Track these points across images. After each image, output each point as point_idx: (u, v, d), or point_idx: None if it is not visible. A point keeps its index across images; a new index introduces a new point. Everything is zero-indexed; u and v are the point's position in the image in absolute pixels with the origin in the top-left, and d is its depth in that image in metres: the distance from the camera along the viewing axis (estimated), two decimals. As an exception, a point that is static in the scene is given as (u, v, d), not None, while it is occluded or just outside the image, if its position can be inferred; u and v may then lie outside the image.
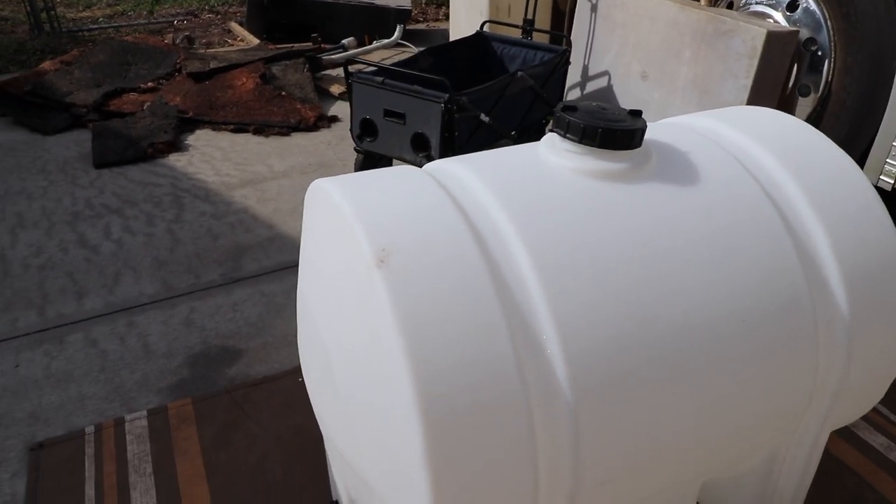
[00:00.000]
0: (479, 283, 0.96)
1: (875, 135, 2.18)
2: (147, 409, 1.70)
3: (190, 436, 1.63)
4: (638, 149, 1.15)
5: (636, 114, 1.18)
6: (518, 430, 0.93)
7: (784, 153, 1.25)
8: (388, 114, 2.42)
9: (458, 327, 0.92)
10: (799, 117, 2.46)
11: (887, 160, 2.15)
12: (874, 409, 1.70)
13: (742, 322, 1.08)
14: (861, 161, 2.26)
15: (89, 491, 1.49)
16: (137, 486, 1.51)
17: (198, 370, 1.84)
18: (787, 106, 2.49)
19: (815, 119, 2.41)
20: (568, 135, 1.13)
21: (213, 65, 3.68)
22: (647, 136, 1.26)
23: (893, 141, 2.13)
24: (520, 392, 0.93)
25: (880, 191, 2.25)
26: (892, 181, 2.16)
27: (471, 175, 1.12)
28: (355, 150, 2.64)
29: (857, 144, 2.28)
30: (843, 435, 1.63)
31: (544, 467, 0.97)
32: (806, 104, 2.44)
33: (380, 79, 2.41)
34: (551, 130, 1.18)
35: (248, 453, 1.58)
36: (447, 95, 2.26)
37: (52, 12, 5.41)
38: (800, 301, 1.12)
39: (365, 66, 2.55)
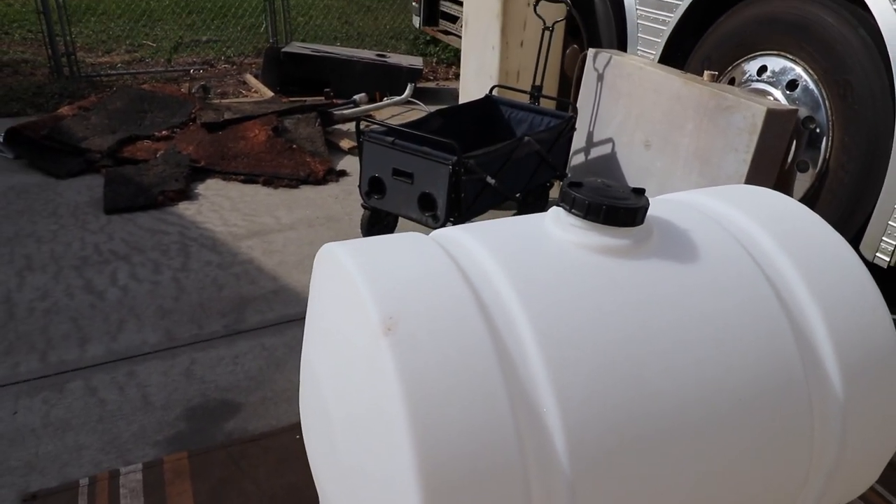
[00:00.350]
0: (483, 354, 0.98)
1: (871, 212, 2.22)
2: (143, 463, 1.70)
3: (184, 491, 1.62)
4: (640, 226, 1.18)
5: (639, 192, 1.22)
6: (515, 501, 0.94)
7: (782, 235, 1.29)
8: (397, 173, 2.48)
9: (461, 397, 0.94)
10: (797, 193, 2.52)
11: (883, 238, 2.19)
12: (873, 490, 1.69)
13: (738, 400, 1.10)
14: (858, 238, 2.30)
15: (80, 545, 1.48)
16: (129, 541, 1.49)
17: (195, 423, 1.84)
18: (785, 181, 2.55)
19: (812, 195, 2.46)
20: (573, 210, 1.17)
21: (227, 115, 3.77)
22: (648, 212, 1.31)
23: (889, 219, 2.17)
24: (518, 463, 0.95)
25: (876, 268, 2.28)
26: (888, 259, 2.19)
27: (477, 245, 1.16)
28: (363, 206, 2.69)
29: (854, 221, 2.33)
30: (842, 515, 1.62)
31: (541, 541, 0.98)
32: (804, 180, 2.49)
33: (390, 139, 2.48)
34: (558, 205, 1.22)
35: (242, 511, 1.57)
36: (455, 158, 2.32)
37: (73, 57, 5.55)
38: (795, 381, 1.14)
39: (376, 124, 2.62)
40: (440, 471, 0.91)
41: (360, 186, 2.62)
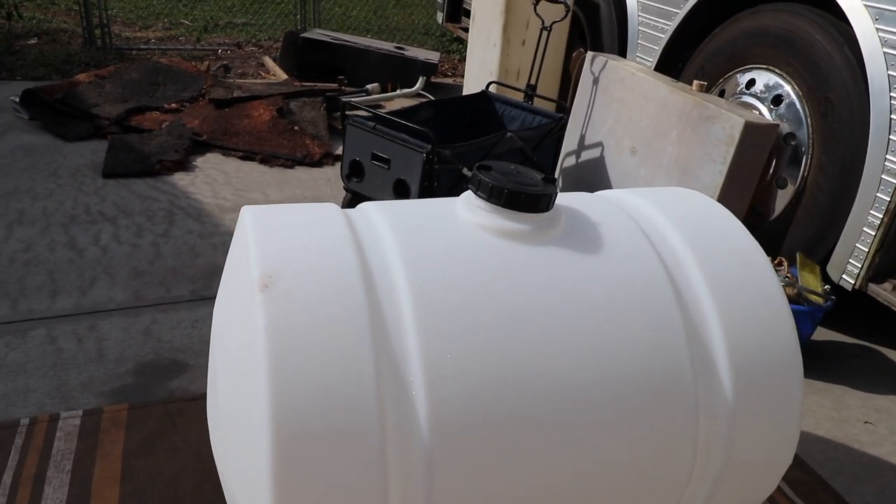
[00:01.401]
0: (355, 318, 1.01)
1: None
2: (83, 410, 1.76)
3: (116, 439, 1.69)
4: (545, 213, 1.20)
5: (550, 180, 1.24)
6: (369, 461, 0.97)
7: (694, 235, 1.29)
8: (375, 157, 2.52)
9: (325, 356, 0.98)
10: (776, 209, 2.50)
11: (849, 260, 2.17)
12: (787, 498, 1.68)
13: (618, 392, 1.11)
14: (827, 259, 2.27)
15: (6, 479, 1.55)
16: (53, 481, 1.56)
17: (142, 379, 1.91)
18: (764, 196, 2.52)
19: (789, 212, 2.44)
20: (479, 192, 1.20)
21: (235, 94, 3.86)
22: (565, 202, 1.32)
23: (856, 242, 2.14)
24: (376, 426, 0.97)
25: (842, 290, 2.25)
26: (852, 281, 2.17)
27: (382, 218, 1.19)
28: (344, 188, 2.74)
29: (827, 241, 2.30)
30: (756, 527, 1.61)
31: (396, 503, 1.01)
32: (783, 196, 2.47)
33: (371, 123, 2.52)
34: (467, 186, 1.24)
35: (167, 464, 1.63)
36: (429, 146, 2.35)
37: (107, 29, 5.72)
38: (681, 380, 1.14)
39: (363, 110, 2.66)
40: (293, 424, 0.94)
41: (341, 169, 2.67)
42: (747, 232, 1.35)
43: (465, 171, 2.50)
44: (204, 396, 1.85)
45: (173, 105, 3.82)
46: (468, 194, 1.24)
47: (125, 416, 1.76)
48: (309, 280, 1.03)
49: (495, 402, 1.03)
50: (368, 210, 1.24)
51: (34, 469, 1.58)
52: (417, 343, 1.02)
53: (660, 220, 1.33)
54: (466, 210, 1.21)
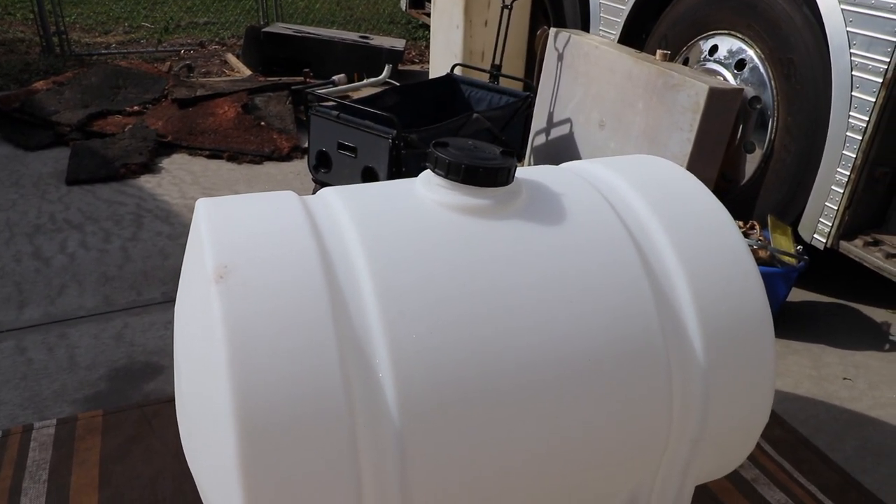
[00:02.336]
0: (315, 303, 0.99)
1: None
2: (56, 419, 1.73)
3: (92, 446, 1.66)
4: (506, 187, 1.19)
5: (508, 154, 1.23)
6: (340, 449, 0.95)
7: (659, 201, 1.28)
8: (342, 147, 2.49)
9: (287, 344, 0.96)
10: (745, 173, 2.51)
11: (820, 219, 2.18)
12: (776, 464, 1.69)
13: (589, 361, 1.10)
14: (798, 220, 2.28)
15: (-20, 493, 1.52)
16: (29, 492, 1.53)
17: (116, 384, 1.87)
18: (733, 161, 2.53)
19: (759, 175, 2.44)
20: (436, 169, 1.18)
21: (199, 92, 3.80)
22: (527, 175, 1.31)
23: (825, 201, 2.15)
24: (344, 411, 0.96)
25: (814, 249, 2.27)
26: (824, 240, 2.18)
27: (340, 202, 1.17)
28: (313, 180, 2.71)
29: (797, 202, 2.31)
30: (740, 487, 1.62)
31: (370, 488, 0.99)
32: (752, 161, 2.48)
33: (335, 113, 2.49)
34: (424, 166, 1.22)
35: (145, 467, 1.60)
36: (395, 132, 2.33)
37: (64, 36, 5.61)
38: (652, 345, 1.14)
39: (326, 99, 2.63)
40: (258, 416, 0.92)
41: (308, 160, 2.64)
42: (711, 194, 1.35)
43: (434, 154, 2.47)
44: (180, 397, 1.82)
45: (135, 108, 3.75)
46: (427, 173, 1.22)
47: (100, 423, 1.73)
48: (266, 268, 1.01)
49: (464, 380, 1.02)
50: (326, 195, 1.22)
51: (9, 482, 1.55)
52: (381, 325, 1.00)
53: (623, 187, 1.32)
54: (425, 189, 1.19)
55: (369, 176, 2.46)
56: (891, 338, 2.26)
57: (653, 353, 1.14)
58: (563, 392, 1.08)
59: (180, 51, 5.91)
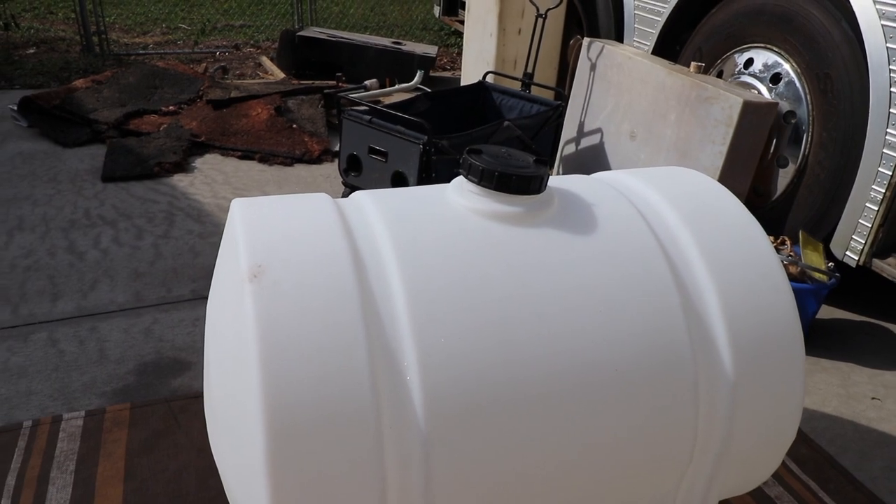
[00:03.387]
0: (346, 305, 1.00)
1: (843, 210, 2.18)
2: (85, 410, 1.76)
3: (119, 438, 1.69)
4: (537, 195, 1.19)
5: (542, 162, 1.23)
6: (366, 450, 0.96)
7: (691, 214, 1.28)
8: (372, 151, 2.51)
9: (317, 344, 0.97)
10: (777, 189, 2.48)
11: (853, 237, 2.14)
12: (801, 483, 1.66)
13: (616, 372, 1.09)
14: (830, 236, 2.25)
15: (10, 481, 1.55)
16: (56, 481, 1.56)
17: (144, 378, 1.90)
18: (765, 175, 2.50)
19: (791, 191, 2.41)
20: (469, 176, 1.18)
21: (233, 94, 3.85)
22: (558, 185, 1.31)
23: (859, 218, 2.12)
24: (371, 413, 0.96)
25: (846, 266, 2.23)
26: (856, 257, 2.14)
27: (373, 206, 1.18)
28: (343, 183, 2.73)
29: (829, 219, 2.27)
30: (765, 507, 1.60)
31: (394, 491, 1.00)
32: (785, 175, 2.45)
33: (367, 117, 2.51)
34: (458, 172, 1.23)
35: (170, 461, 1.63)
36: (426, 137, 2.34)
37: (104, 35, 5.73)
38: (680, 357, 1.13)
39: (358, 103, 2.65)
40: (286, 415, 0.93)
41: (339, 164, 2.66)
42: (743, 207, 1.34)
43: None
44: (206, 394, 1.85)
45: (171, 107, 3.82)
46: (459, 179, 1.22)
47: (128, 416, 1.76)
48: (298, 269, 1.02)
49: (492, 386, 1.02)
50: (359, 199, 1.23)
51: (38, 470, 1.58)
52: (410, 328, 1.01)
53: (654, 198, 1.32)
54: (458, 195, 1.20)
55: (399, 181, 2.47)
56: (924, 360, 2.21)
57: (680, 365, 1.13)
58: (589, 401, 1.07)
59: (216, 53, 6.01)
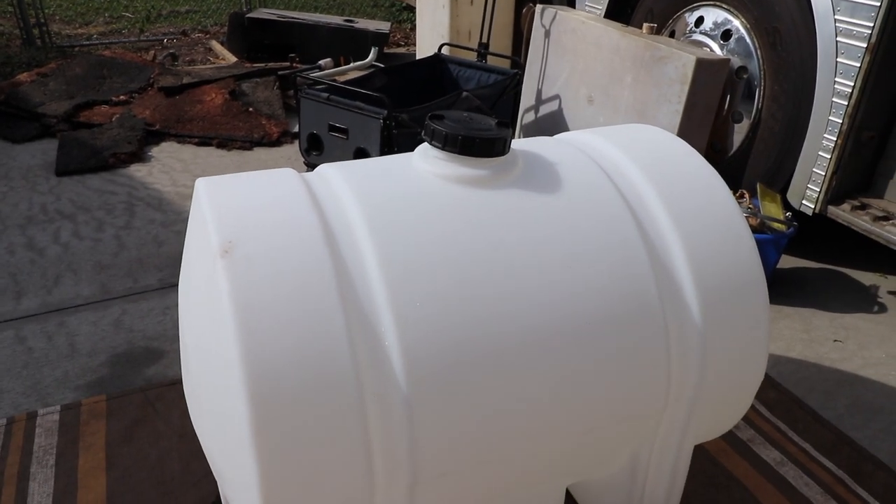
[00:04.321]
0: (320, 273, 1.00)
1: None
2: (60, 405, 1.74)
3: (97, 430, 1.67)
4: (502, 157, 1.20)
5: (504, 125, 1.24)
6: (349, 415, 0.97)
7: (651, 167, 1.30)
8: (332, 129, 2.50)
9: (294, 314, 0.97)
10: (734, 143, 2.53)
11: (808, 185, 2.21)
12: (771, 424, 1.73)
13: (587, 323, 1.12)
14: (786, 187, 2.31)
15: (-12, 480, 1.53)
16: (37, 476, 1.54)
17: (118, 369, 1.88)
18: (721, 131, 2.55)
19: (747, 145, 2.47)
20: (433, 141, 1.19)
21: (185, 80, 3.77)
22: (521, 147, 1.32)
23: (813, 167, 2.18)
24: (352, 378, 0.98)
25: (803, 215, 2.30)
26: (812, 205, 2.21)
27: (338, 176, 1.18)
28: (304, 163, 2.71)
29: (785, 170, 2.34)
30: (737, 448, 1.66)
31: (379, 453, 1.01)
32: (740, 130, 2.50)
33: (325, 94, 2.49)
34: (421, 138, 1.24)
35: (151, 448, 1.62)
36: (386, 112, 2.33)
37: (45, 28, 5.54)
38: (649, 307, 1.16)
39: (313, 81, 2.63)
40: (268, 385, 0.94)
41: (299, 144, 2.64)
42: (704, 161, 1.37)
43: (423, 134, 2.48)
44: (182, 380, 1.84)
45: (122, 97, 3.72)
46: (424, 146, 1.23)
47: (104, 407, 1.74)
48: (269, 240, 1.02)
49: (467, 344, 1.04)
50: (324, 171, 1.23)
51: (17, 467, 1.56)
52: (385, 293, 1.02)
53: (616, 155, 1.34)
54: (423, 161, 1.21)
55: (361, 157, 2.46)
56: (879, 299, 2.30)
57: (650, 314, 1.16)
58: (563, 354, 1.10)
59: (163, 40, 5.86)
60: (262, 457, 0.94)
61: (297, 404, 0.95)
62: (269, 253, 1.01)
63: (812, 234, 2.63)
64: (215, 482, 1.53)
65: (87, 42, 5.71)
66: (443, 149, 1.18)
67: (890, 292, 2.35)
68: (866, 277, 2.43)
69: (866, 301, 2.29)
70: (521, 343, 1.07)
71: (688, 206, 1.26)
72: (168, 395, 1.79)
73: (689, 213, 1.25)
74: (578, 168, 1.27)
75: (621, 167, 1.31)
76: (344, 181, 1.16)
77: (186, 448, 1.62)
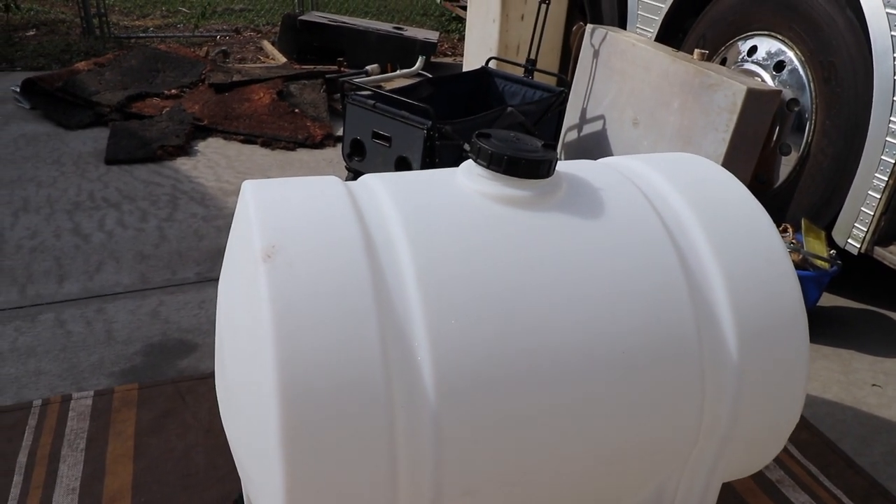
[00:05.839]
0: (359, 285, 1.01)
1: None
2: (94, 390, 1.78)
3: (128, 418, 1.70)
4: (546, 179, 1.20)
5: (550, 147, 1.24)
6: (377, 426, 0.98)
7: (696, 198, 1.29)
8: (376, 136, 2.52)
9: (330, 323, 0.98)
10: (780, 176, 2.49)
11: (855, 224, 2.16)
12: (802, 467, 1.68)
13: (622, 351, 1.11)
14: (832, 224, 2.26)
15: (21, 458, 1.57)
16: (67, 459, 1.58)
17: (152, 359, 1.92)
18: (768, 163, 2.51)
19: (793, 178, 2.43)
20: (478, 160, 1.20)
21: (235, 78, 3.85)
22: (565, 169, 1.32)
23: (861, 206, 2.13)
24: (382, 389, 0.98)
25: (847, 254, 2.25)
26: (858, 245, 2.16)
27: (383, 189, 1.19)
28: (346, 168, 2.74)
29: (831, 207, 2.29)
30: (765, 488, 1.62)
31: (404, 467, 1.01)
32: (787, 163, 2.46)
33: (371, 102, 2.51)
34: (467, 155, 1.24)
35: (178, 441, 1.65)
36: (430, 122, 2.35)
37: (104, 18, 5.71)
38: (686, 341, 1.15)
39: (362, 88, 2.65)
40: (302, 391, 0.95)
41: (342, 148, 2.67)
42: (749, 193, 1.35)
43: (467, 146, 2.48)
44: (213, 375, 1.86)
45: (173, 91, 3.81)
46: (469, 163, 1.23)
47: (136, 396, 1.78)
48: (311, 248, 1.03)
49: (499, 367, 1.04)
50: (369, 181, 1.24)
51: (48, 448, 1.60)
52: (421, 309, 1.02)
53: (660, 183, 1.33)
54: (467, 178, 1.21)
55: (403, 166, 2.48)
56: (922, 347, 2.24)
57: (686, 348, 1.15)
58: (596, 380, 1.09)
59: (216, 36, 5.99)
60: (289, 462, 0.95)
61: (327, 413, 0.96)
62: (310, 262, 1.02)
63: (856, 274, 2.56)
64: (239, 479, 1.55)
65: (144, 34, 5.86)
66: (488, 167, 1.18)
67: (934, 339, 2.29)
68: (910, 322, 2.36)
69: (909, 347, 2.23)
70: (553, 367, 1.06)
71: (730, 238, 1.24)
72: (198, 388, 1.82)
73: (730, 245, 1.24)
74: (622, 195, 1.26)
75: (666, 197, 1.30)
76: (387, 193, 1.17)
77: (212, 443, 1.64)
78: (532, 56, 3.07)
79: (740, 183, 1.38)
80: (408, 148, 2.43)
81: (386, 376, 0.99)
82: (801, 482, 1.65)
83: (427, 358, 1.01)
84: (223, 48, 5.19)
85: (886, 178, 2.05)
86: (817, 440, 1.78)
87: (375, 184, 1.22)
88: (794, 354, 1.23)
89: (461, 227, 1.12)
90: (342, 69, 4.42)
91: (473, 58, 3.72)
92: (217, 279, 2.31)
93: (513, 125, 2.70)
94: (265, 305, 0.98)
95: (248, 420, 1.05)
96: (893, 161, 2.03)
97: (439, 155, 2.41)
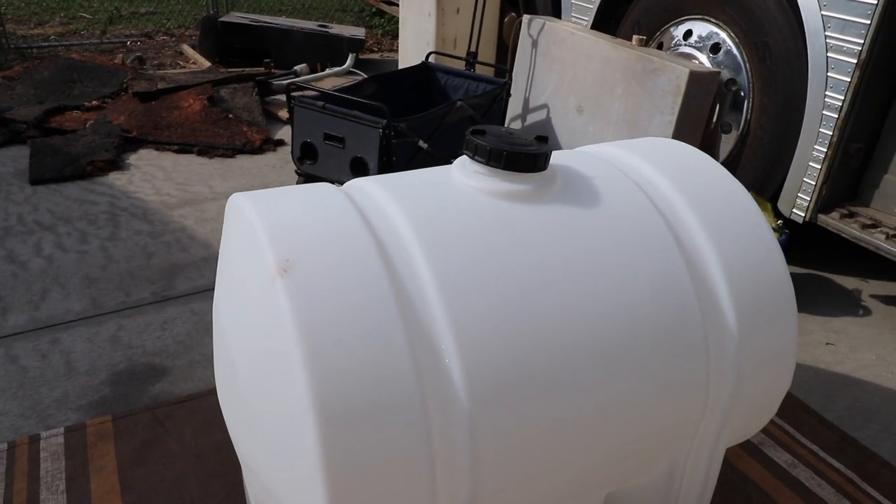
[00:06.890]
0: (380, 293, 1.00)
1: (788, 170, 2.31)
2: (64, 427, 1.68)
3: (107, 453, 1.61)
4: (542, 172, 1.21)
5: (542, 139, 1.25)
6: (415, 434, 0.97)
7: (681, 180, 1.33)
8: (328, 137, 2.47)
9: (357, 334, 0.96)
10: (721, 153, 2.60)
11: (798, 194, 2.28)
12: (779, 428, 1.78)
13: (634, 335, 1.14)
14: (776, 195, 2.38)
15: (-4, 507, 1.46)
16: (48, 503, 1.48)
17: (120, 388, 1.82)
18: (710, 142, 2.62)
19: (735, 155, 2.54)
20: (476, 157, 1.19)
21: (160, 85, 3.68)
22: (555, 161, 1.34)
23: (804, 176, 2.26)
24: (416, 397, 0.97)
25: (793, 223, 2.37)
26: (803, 214, 2.28)
27: (381, 192, 1.17)
28: (296, 172, 2.67)
29: (774, 179, 2.41)
30: (750, 451, 1.70)
31: (442, 471, 1.01)
32: (728, 141, 2.57)
33: (320, 103, 2.46)
34: (463, 152, 1.24)
35: (166, 470, 1.57)
36: (385, 121, 2.32)
37: (1, 28, 5.33)
38: (691, 318, 1.18)
39: (308, 89, 2.59)
40: (337, 405, 0.92)
41: (292, 152, 2.60)
42: (728, 173, 1.40)
43: (421, 143, 2.48)
44: (191, 397, 1.79)
45: (94, 102, 3.61)
46: (463, 159, 1.23)
47: (111, 428, 1.69)
48: (327, 260, 1.01)
49: (524, 359, 1.04)
50: (364, 186, 1.22)
51: (25, 494, 1.50)
52: (443, 311, 1.02)
53: (645, 168, 1.37)
54: (464, 176, 1.20)
55: (358, 166, 2.44)
56: (863, 303, 2.39)
57: (691, 324, 1.19)
58: (612, 366, 1.11)
59: (126, 42, 5.71)
60: (330, 476, 0.93)
61: (364, 423, 0.94)
62: (328, 273, 0.99)
63: (802, 241, 2.71)
64: (238, 501, 1.50)
65: (46, 44, 5.52)
66: (486, 164, 1.18)
67: (872, 296, 2.45)
68: (850, 282, 2.52)
69: (853, 305, 2.38)
70: (572, 356, 1.08)
71: (720, 220, 1.29)
72: (177, 413, 1.74)
73: (721, 227, 1.28)
74: (613, 181, 1.29)
75: (653, 181, 1.33)
76: (389, 198, 1.15)
77: (204, 468, 1.57)
78: (472, 49, 3.08)
79: (719, 164, 1.43)
80: (363, 148, 2.39)
81: (420, 387, 0.98)
82: (781, 441, 1.74)
83: (455, 360, 1.01)
84: (138, 54, 4.95)
85: (825, 150, 2.18)
86: (788, 401, 1.87)
87: (373, 188, 1.19)
88: (785, 320, 1.30)
89: (470, 227, 1.11)
90: (271, 70, 4.30)
91: (410, 53, 3.70)
92: (176, 297, 2.21)
93: (463, 119, 2.70)
94: (288, 321, 0.95)
95: (275, 438, 1.02)
96: (831, 133, 2.16)
97: (395, 153, 2.39)
